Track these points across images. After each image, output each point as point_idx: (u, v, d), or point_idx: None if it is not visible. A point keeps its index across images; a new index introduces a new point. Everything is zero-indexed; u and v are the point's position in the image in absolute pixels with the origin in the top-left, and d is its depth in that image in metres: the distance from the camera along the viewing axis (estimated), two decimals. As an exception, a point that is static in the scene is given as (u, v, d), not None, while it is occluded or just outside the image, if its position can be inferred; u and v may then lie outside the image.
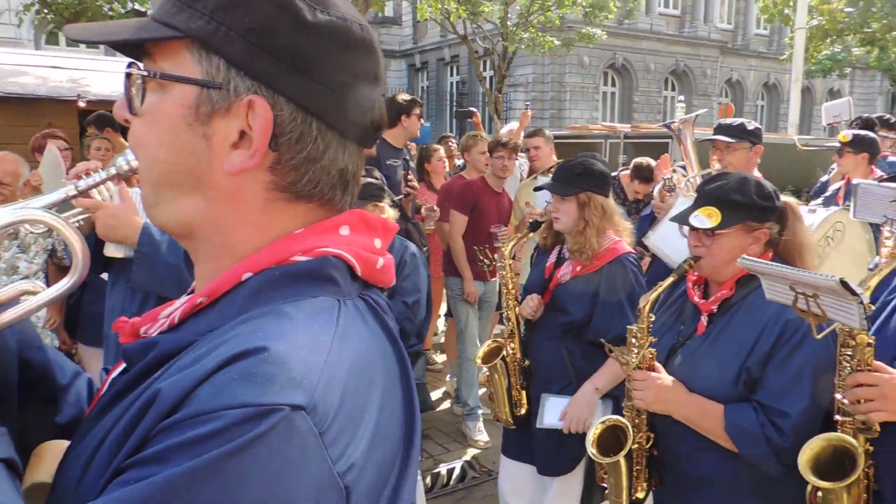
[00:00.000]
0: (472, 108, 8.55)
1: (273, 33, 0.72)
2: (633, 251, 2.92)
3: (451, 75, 31.98)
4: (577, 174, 2.88)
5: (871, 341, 1.63)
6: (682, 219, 2.06)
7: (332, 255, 0.76)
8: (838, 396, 1.68)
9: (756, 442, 1.83)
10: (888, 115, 5.94)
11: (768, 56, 31.58)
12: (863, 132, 4.86)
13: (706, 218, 1.97)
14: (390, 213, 3.59)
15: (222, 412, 0.59)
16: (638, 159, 5.69)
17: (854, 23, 15.51)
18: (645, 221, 3.71)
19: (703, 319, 2.06)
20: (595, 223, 2.83)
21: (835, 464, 1.64)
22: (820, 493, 1.67)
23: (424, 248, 4.89)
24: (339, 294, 0.75)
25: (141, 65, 0.77)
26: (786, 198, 2.12)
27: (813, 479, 1.60)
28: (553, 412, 2.84)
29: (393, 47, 33.10)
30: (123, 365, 0.79)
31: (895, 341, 1.76)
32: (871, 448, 1.67)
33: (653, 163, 5.56)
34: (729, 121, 3.57)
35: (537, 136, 5.47)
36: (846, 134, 4.87)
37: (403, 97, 4.82)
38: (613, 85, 29.55)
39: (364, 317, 0.77)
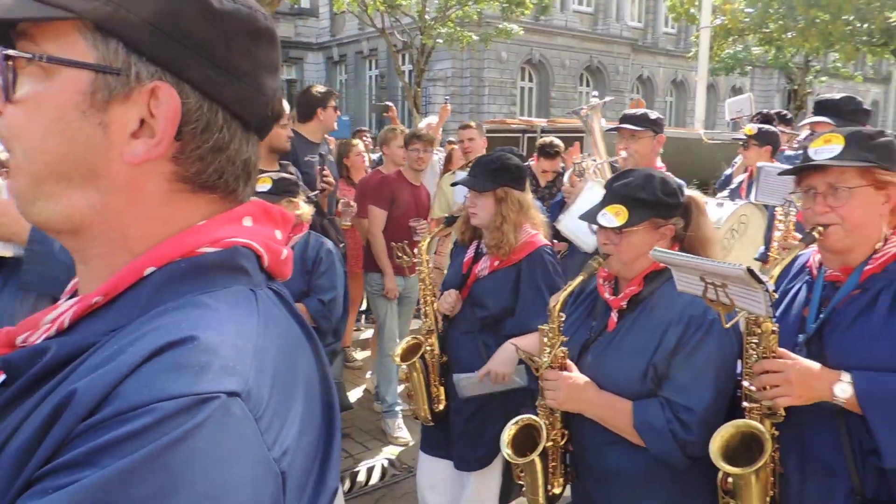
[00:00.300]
0: (388, 103, 8.51)
1: (177, 18, 0.70)
2: (549, 244, 2.96)
3: (370, 69, 31.72)
4: (494, 169, 2.89)
5: (775, 329, 1.70)
6: (590, 217, 2.09)
7: (241, 245, 0.75)
8: (745, 384, 1.75)
9: (663, 437, 1.88)
10: (785, 111, 6.29)
11: (676, 54, 32.89)
12: (766, 126, 5.11)
13: (614, 216, 2.01)
14: (305, 210, 3.51)
15: (154, 405, 0.57)
16: (541, 139, 5.81)
17: (753, 23, 16.35)
18: (556, 208, 3.78)
19: (613, 316, 2.10)
20: (512, 218, 2.85)
21: (744, 449, 1.70)
22: (730, 479, 1.73)
23: (341, 245, 4.82)
24: (252, 284, 0.74)
25: (12, 51, 0.71)
26: (690, 192, 2.18)
27: (724, 466, 1.66)
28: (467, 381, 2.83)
29: (310, 40, 32.51)
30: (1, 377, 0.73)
31: (796, 328, 1.84)
32: (777, 432, 1.75)
33: (557, 141, 5.67)
34: (633, 111, 3.71)
35: (471, 128, 5.49)
36: (752, 127, 5.11)
37: (318, 89, 4.72)
38: (531, 80, 30.05)
39: (277, 305, 0.77)
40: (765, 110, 6.06)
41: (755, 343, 1.71)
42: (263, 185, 3.29)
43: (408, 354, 2.98)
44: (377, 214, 4.93)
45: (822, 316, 1.79)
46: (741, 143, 5.12)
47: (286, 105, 5.01)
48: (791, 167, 1.86)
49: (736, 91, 36.18)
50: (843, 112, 3.07)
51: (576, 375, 2.05)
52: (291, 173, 3.62)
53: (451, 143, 8.41)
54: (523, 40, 27.15)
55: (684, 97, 35.05)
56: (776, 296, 1.73)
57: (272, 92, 0.79)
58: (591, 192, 3.31)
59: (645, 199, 2.02)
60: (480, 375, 2.75)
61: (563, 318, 2.10)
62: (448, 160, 6.55)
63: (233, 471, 0.59)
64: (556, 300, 2.08)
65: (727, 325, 1.71)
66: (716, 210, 5.44)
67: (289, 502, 0.66)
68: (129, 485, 0.54)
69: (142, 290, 0.70)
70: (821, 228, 1.74)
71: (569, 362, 2.09)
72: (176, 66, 0.70)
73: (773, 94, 36.18)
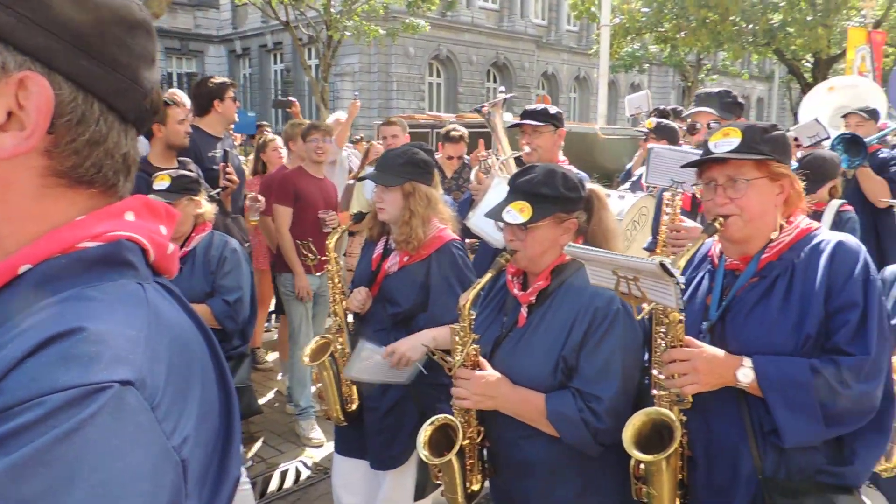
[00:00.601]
0: (290, 98, 8.30)
1: (47, 6, 0.67)
2: (458, 238, 2.95)
3: (275, 63, 30.95)
4: (401, 164, 2.85)
5: (681, 318, 1.74)
6: (495, 215, 2.10)
7: (125, 239, 0.74)
8: (654, 372, 1.79)
9: (576, 427, 1.91)
10: (680, 108, 6.57)
11: (578, 51, 33.89)
12: (665, 121, 5.31)
13: (518, 213, 2.03)
14: (207, 208, 3.36)
15: (43, 399, 0.56)
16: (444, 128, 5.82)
17: (650, 22, 17.07)
18: (465, 206, 3.78)
19: (523, 311, 2.12)
20: (420, 212, 2.82)
21: (655, 436, 1.75)
22: (642, 466, 1.78)
23: (247, 244, 4.65)
24: (139, 278, 0.73)
25: None
26: (591, 185, 2.23)
27: (636, 454, 1.70)
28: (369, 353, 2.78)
29: (210, 32, 31.36)
30: None
31: (700, 315, 1.90)
32: (685, 418, 1.80)
33: (460, 128, 5.67)
34: (533, 106, 3.75)
35: (395, 125, 5.41)
36: (652, 121, 5.30)
37: (214, 80, 4.52)
38: (439, 76, 30.19)
39: (166, 298, 0.76)
40: (661, 106, 6.31)
41: (663, 332, 1.75)
42: (162, 182, 3.12)
43: (317, 354, 2.90)
44: (282, 212, 4.79)
45: (723, 304, 1.85)
46: (642, 137, 5.30)
47: (186, 100, 4.79)
48: (694, 159, 1.92)
49: (635, 88, 37.69)
50: (721, 104, 3.25)
51: (489, 373, 2.05)
52: (192, 171, 3.45)
53: (360, 140, 8.31)
54: (431, 36, 27.22)
55: (587, 93, 36.17)
56: (681, 287, 1.78)
57: (150, 84, 0.77)
58: (498, 189, 3.33)
59: (548, 194, 2.04)
60: (387, 351, 2.70)
61: (473, 317, 2.10)
62: (365, 157, 6.46)
63: (130, 461, 0.58)
64: (467, 298, 2.07)
65: (638, 317, 1.75)
66: (618, 202, 5.60)
67: (190, 491, 0.66)
68: (20, 481, 0.53)
69: (17, 289, 0.68)
70: (721, 220, 1.80)
71: (482, 360, 2.09)
72: (46, 55, 0.67)
73: (668, 91, 37.90)
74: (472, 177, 3.70)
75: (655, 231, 3.60)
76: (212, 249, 3.28)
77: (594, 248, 1.86)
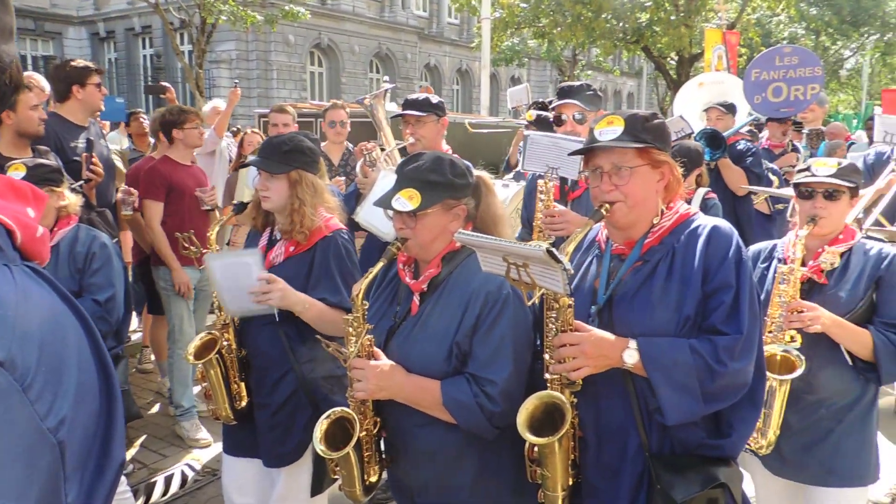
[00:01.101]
0: (164, 84, 7.84)
1: None
2: (345, 227, 2.91)
3: (144, 47, 29.18)
4: (287, 151, 2.76)
5: (570, 303, 1.79)
6: (384, 203, 2.08)
7: None
8: (546, 356, 1.83)
9: (471, 412, 1.93)
10: (552, 100, 6.81)
11: (460, 44, 34.30)
12: (545, 114, 5.48)
13: (407, 200, 2.02)
14: (72, 199, 3.12)
15: None
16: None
17: (528, 17, 17.56)
18: (350, 198, 3.73)
19: (416, 299, 2.12)
20: (308, 201, 2.76)
21: (547, 419, 1.79)
22: (536, 448, 1.83)
23: (115, 239, 4.35)
24: (5, 259, 0.70)
25: None
26: (478, 172, 2.25)
27: (529, 437, 1.73)
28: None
29: (70, 12, 29.08)
30: None
31: (589, 299, 1.96)
32: (576, 399, 1.86)
33: (342, 111, 5.57)
34: (415, 96, 3.75)
35: (286, 113, 5.19)
36: (532, 114, 5.46)
37: (75, 64, 4.19)
38: (320, 65, 29.63)
39: (36, 281, 0.73)
40: (540, 99, 6.52)
41: (554, 317, 1.80)
42: (16, 172, 2.86)
43: (202, 352, 2.76)
44: (152, 208, 4.53)
45: (610, 288, 1.93)
46: (524, 127, 5.44)
47: (45, 85, 4.40)
48: (581, 147, 1.98)
49: (515, 81, 38.65)
50: (583, 96, 3.39)
51: (383, 362, 2.03)
52: (50, 160, 3.18)
53: (238, 131, 7.97)
54: (311, 24, 26.64)
55: (469, 86, 36.71)
56: (572, 272, 1.84)
57: (8, 59, 0.74)
58: (386, 181, 3.30)
59: (436, 181, 2.05)
60: (265, 276, 2.56)
61: (367, 306, 2.08)
62: (241, 146, 6.21)
63: (1, 443, 0.57)
64: (359, 288, 2.05)
65: (529, 303, 1.79)
66: (502, 191, 5.73)
67: (69, 475, 0.65)
68: None
69: None
70: (607, 206, 1.87)
71: (376, 350, 2.07)
72: None
73: (547, 85, 39.19)
74: (358, 169, 3.64)
75: (526, 220, 3.69)
76: (78, 245, 3.05)
77: (483, 235, 1.87)
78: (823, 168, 2.54)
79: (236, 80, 8.20)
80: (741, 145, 5.51)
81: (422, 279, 2.12)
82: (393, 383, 2.01)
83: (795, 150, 7.00)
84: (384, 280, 2.30)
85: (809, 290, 2.50)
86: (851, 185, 2.51)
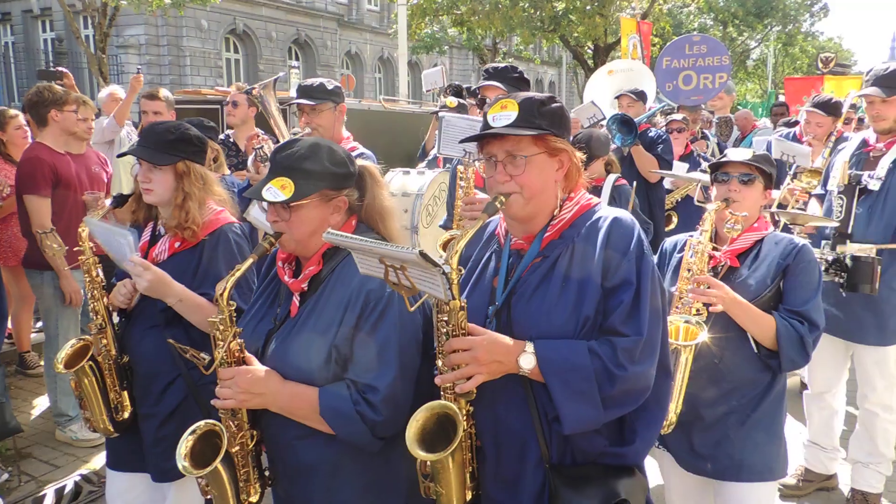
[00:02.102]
0: (60, 69, 7.32)
1: None
2: (236, 221, 2.72)
3: (44, 31, 27.41)
4: (172, 140, 2.55)
5: (463, 305, 1.65)
6: (255, 193, 1.91)
7: None
8: (439, 363, 1.69)
9: (351, 421, 1.80)
10: (475, 87, 6.72)
11: (381, 31, 33.79)
12: (466, 101, 5.36)
13: (279, 190, 1.86)
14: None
15: None
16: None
17: (446, 4, 17.41)
18: (244, 200, 3.50)
19: (295, 300, 1.97)
20: (197, 195, 2.56)
21: (440, 431, 1.64)
22: (429, 463, 1.68)
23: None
24: None
25: None
26: (362, 162, 2.12)
27: (418, 454, 1.59)
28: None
29: (-41, -8, 27.05)
30: None
31: (487, 298, 1.83)
32: (472, 409, 1.72)
33: (240, 97, 5.29)
34: (309, 82, 3.52)
35: (158, 100, 4.84)
36: (452, 100, 5.33)
37: None
38: (236, 51, 28.66)
39: None
40: (456, 83, 6.42)
41: (445, 321, 1.65)
42: None
43: (75, 359, 2.51)
44: (38, 204, 4.14)
45: (509, 286, 1.80)
46: (436, 112, 5.31)
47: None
48: (473, 135, 1.86)
49: (437, 69, 38.57)
50: (507, 78, 3.29)
51: (255, 368, 1.89)
52: None
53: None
54: (225, 9, 25.67)
55: (391, 73, 36.29)
56: (463, 271, 1.69)
57: None
58: None
59: (312, 169, 1.90)
60: (136, 261, 2.40)
61: (233, 307, 1.90)
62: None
63: None
64: (224, 286, 1.88)
65: (411, 309, 1.65)
66: (418, 179, 5.61)
67: None
68: None
69: None
70: (503, 198, 1.74)
71: (248, 355, 1.91)
72: None
73: (469, 73, 39.19)
74: (249, 165, 3.42)
75: (451, 204, 3.58)
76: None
77: (355, 236, 1.73)
78: (738, 153, 2.58)
79: (140, 67, 7.70)
80: (652, 132, 5.57)
81: (301, 278, 1.96)
82: (266, 390, 1.85)
83: (705, 137, 7.17)
84: (265, 279, 2.14)
85: (722, 274, 2.49)
86: (766, 171, 2.53)
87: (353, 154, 3.46)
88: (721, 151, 8.10)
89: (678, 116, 6.16)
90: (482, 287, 1.87)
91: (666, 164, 5.43)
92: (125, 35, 24.18)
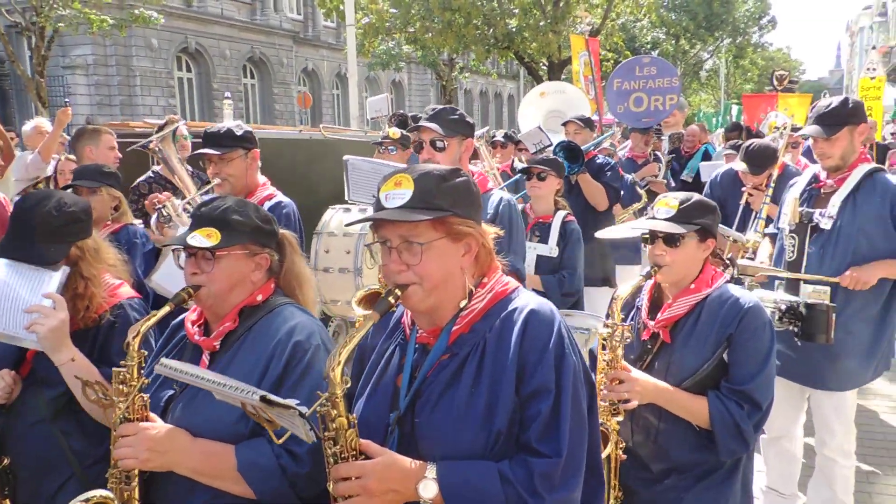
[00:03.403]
0: None
1: None
2: (137, 295, 2.43)
3: (-14, 52, 26.56)
4: (58, 228, 2.25)
5: (353, 422, 1.42)
6: (179, 240, 1.89)
7: None
8: (330, 486, 1.43)
9: (271, 476, 1.68)
10: (421, 115, 6.52)
11: (337, 48, 33.43)
12: (408, 134, 5.12)
13: (205, 238, 1.83)
14: None
15: None
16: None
17: (398, 22, 17.22)
18: (150, 257, 3.20)
19: (205, 358, 1.89)
20: (95, 277, 2.30)
21: None
22: None
23: None
24: None
25: None
26: (282, 231, 2.07)
27: None
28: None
29: None
30: None
31: (390, 402, 1.59)
32: None
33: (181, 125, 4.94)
34: (215, 128, 3.20)
35: (85, 142, 4.41)
36: (395, 131, 5.09)
37: None
38: (189, 70, 28.07)
39: None
40: (401, 112, 6.21)
41: (332, 441, 1.40)
42: None
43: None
44: None
45: (412, 388, 1.55)
46: (377, 143, 5.06)
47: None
48: (363, 217, 1.62)
49: (396, 84, 38.37)
50: (445, 120, 3.00)
51: (159, 424, 1.78)
52: None
53: (69, 158, 7.09)
54: (176, 27, 25.14)
55: (349, 90, 35.99)
56: (348, 384, 1.44)
57: None
58: None
59: (240, 221, 1.89)
60: (53, 296, 2.14)
61: (145, 354, 1.82)
62: (55, 178, 5.44)
63: None
64: (137, 330, 1.79)
65: (279, 441, 1.40)
66: (360, 216, 5.33)
67: None
68: None
69: None
70: (398, 292, 1.50)
71: (150, 414, 1.80)
72: None
73: (428, 89, 39.14)
74: (153, 225, 3.10)
75: (359, 261, 3.33)
76: None
77: (190, 369, 1.58)
78: (664, 209, 2.27)
79: (67, 100, 7.30)
80: (600, 159, 5.41)
81: (215, 335, 1.89)
82: (171, 448, 1.69)
83: (657, 160, 7.07)
84: (167, 344, 2.00)
85: (657, 347, 2.27)
86: (696, 227, 2.25)
87: (271, 202, 3.22)
88: (674, 174, 8.04)
89: (606, 143, 6.03)
90: (384, 387, 1.63)
91: (613, 191, 5.28)
92: (72, 55, 23.51)
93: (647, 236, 2.29)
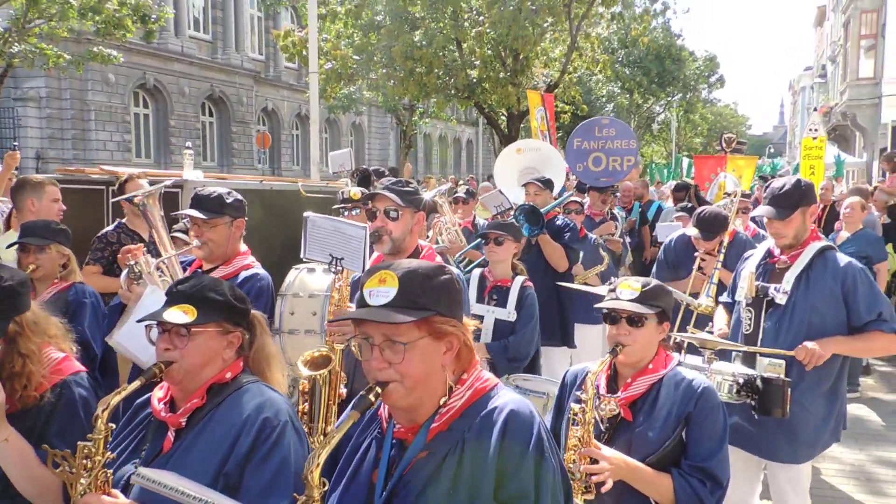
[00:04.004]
0: None
1: None
2: (82, 369, 2.35)
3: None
4: None
5: None
6: (154, 316, 1.90)
7: None
8: None
9: None
10: (382, 169, 6.57)
11: (298, 88, 33.57)
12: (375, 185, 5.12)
13: (182, 313, 1.87)
14: None
15: None
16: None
17: (361, 69, 17.40)
18: (115, 312, 3.11)
19: (171, 435, 1.89)
20: (35, 352, 2.18)
21: None
22: None
23: None
24: None
25: None
26: (254, 312, 2.11)
27: None
28: None
29: None
30: None
31: (365, 496, 1.57)
32: None
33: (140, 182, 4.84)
34: (206, 192, 3.17)
35: (28, 194, 4.25)
36: (356, 191, 5.08)
37: None
38: (146, 106, 27.74)
39: None
40: (364, 167, 6.24)
41: None
42: None
43: None
44: None
45: (389, 486, 1.53)
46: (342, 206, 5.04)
47: None
48: (347, 314, 1.62)
49: (356, 128, 38.60)
50: (400, 192, 3.03)
51: (121, 500, 1.75)
52: None
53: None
54: (135, 63, 24.89)
55: (309, 131, 36.02)
56: (327, 486, 1.44)
57: None
58: (152, 298, 2.74)
59: (215, 299, 1.93)
60: None
61: (113, 427, 1.80)
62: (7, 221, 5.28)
63: None
64: (106, 404, 1.77)
65: None
66: (324, 277, 5.26)
67: None
68: None
69: None
70: (378, 389, 1.49)
71: (113, 490, 1.77)
72: None
73: (388, 132, 39.49)
74: (122, 280, 3.03)
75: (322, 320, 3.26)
76: None
77: (169, 480, 1.57)
78: (627, 291, 2.36)
79: (16, 144, 7.13)
80: (559, 221, 5.52)
81: (182, 411, 1.89)
82: None
83: (614, 218, 7.23)
84: (130, 424, 1.98)
85: (617, 425, 2.29)
86: (657, 309, 2.34)
87: (248, 272, 3.17)
88: (631, 230, 8.23)
89: (576, 198, 6.16)
90: (359, 482, 1.60)
91: (573, 252, 5.37)
92: (24, 87, 23.01)
93: (610, 316, 2.35)
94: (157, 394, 1.97)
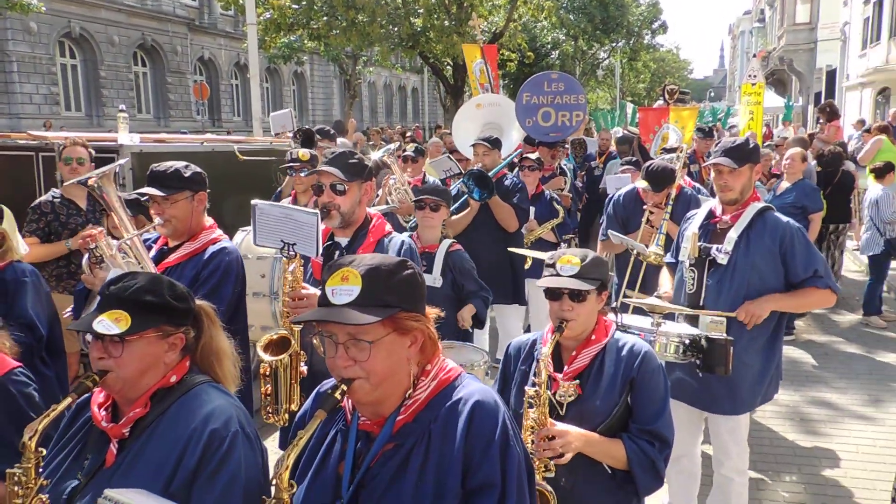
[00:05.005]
0: None
1: None
2: (17, 364, 2.30)
3: None
4: None
5: None
6: (83, 325, 1.76)
7: None
8: None
9: None
10: (329, 128, 6.42)
11: (236, 36, 32.27)
12: (319, 145, 5.03)
13: (113, 323, 1.72)
14: None
15: None
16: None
17: (301, 19, 16.79)
18: (80, 298, 3.01)
19: (113, 447, 1.76)
20: None
21: None
22: None
23: None
24: None
25: None
26: (200, 302, 1.99)
27: None
28: None
29: None
30: None
31: (331, 491, 1.58)
32: None
33: (83, 151, 4.65)
34: (162, 167, 3.04)
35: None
36: (304, 152, 5.00)
37: None
38: (74, 57, 26.32)
39: None
40: (306, 127, 6.08)
41: None
42: None
43: None
44: None
45: (356, 478, 1.55)
46: (289, 167, 4.95)
47: None
48: (307, 318, 1.59)
49: (298, 77, 37.48)
50: (345, 165, 3.00)
51: None
52: None
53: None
54: (58, 11, 23.50)
55: (249, 82, 34.83)
56: (295, 488, 1.45)
57: None
58: None
59: (152, 302, 1.79)
60: None
61: (43, 454, 1.72)
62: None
63: None
64: (34, 429, 1.68)
65: None
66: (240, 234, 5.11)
67: None
68: None
69: None
70: (344, 387, 1.50)
71: None
72: None
73: (331, 80, 38.49)
74: (84, 265, 2.92)
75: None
76: None
77: (138, 498, 1.52)
78: (567, 266, 2.40)
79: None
80: (507, 181, 5.53)
81: (124, 421, 1.76)
82: None
83: (563, 173, 7.31)
84: (71, 428, 1.86)
85: (568, 401, 2.37)
86: (597, 283, 2.39)
87: (216, 247, 3.09)
88: (576, 178, 8.33)
89: (532, 155, 6.19)
90: (325, 476, 1.62)
91: (523, 212, 5.43)
92: (-63, 38, 21.56)
93: (552, 292, 2.40)
94: (97, 398, 1.85)
